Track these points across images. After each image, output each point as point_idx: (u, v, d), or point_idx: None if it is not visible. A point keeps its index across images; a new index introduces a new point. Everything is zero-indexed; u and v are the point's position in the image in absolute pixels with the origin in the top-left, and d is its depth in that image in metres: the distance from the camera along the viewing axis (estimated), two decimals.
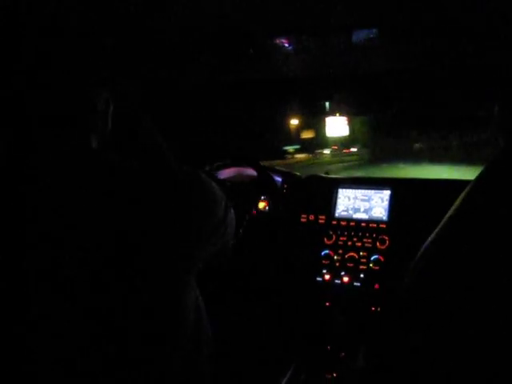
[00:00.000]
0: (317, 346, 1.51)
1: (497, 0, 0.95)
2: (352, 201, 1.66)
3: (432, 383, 0.78)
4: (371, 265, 1.49)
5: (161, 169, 0.75)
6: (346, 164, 9.96)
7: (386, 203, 1.60)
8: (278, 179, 1.78)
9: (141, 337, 0.68)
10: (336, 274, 1.54)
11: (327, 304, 1.55)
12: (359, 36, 1.19)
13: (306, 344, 1.54)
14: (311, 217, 1.68)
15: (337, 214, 1.66)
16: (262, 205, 1.78)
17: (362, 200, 1.65)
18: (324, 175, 1.89)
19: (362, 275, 1.50)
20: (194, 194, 0.75)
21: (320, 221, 1.66)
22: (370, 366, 1.34)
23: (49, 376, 0.64)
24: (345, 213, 1.65)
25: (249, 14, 1.15)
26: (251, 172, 1.73)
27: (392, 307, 1.27)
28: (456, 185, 1.56)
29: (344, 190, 1.69)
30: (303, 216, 1.69)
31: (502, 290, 0.66)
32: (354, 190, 1.68)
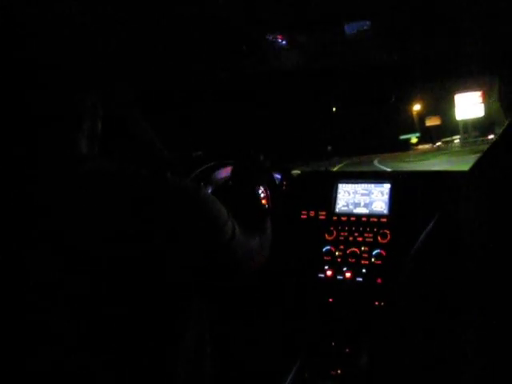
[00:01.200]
0: (321, 342, 1.50)
1: None
2: (352, 195, 1.65)
3: (435, 376, 0.77)
4: (373, 259, 1.48)
5: (157, 178, 0.71)
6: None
7: (386, 197, 1.59)
8: (277, 176, 1.77)
9: (139, 338, 0.68)
10: (338, 270, 1.53)
11: (330, 300, 1.54)
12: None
13: (310, 341, 1.53)
14: (311, 213, 1.67)
15: (337, 210, 1.65)
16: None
17: (362, 194, 1.63)
18: (323, 170, 1.88)
19: (364, 270, 1.48)
20: (186, 211, 0.71)
21: (320, 217, 1.65)
22: (374, 362, 1.34)
23: (48, 375, 0.64)
24: (345, 208, 1.64)
25: (241, 10, 1.14)
26: None
27: (394, 301, 1.27)
28: (455, 176, 1.55)
29: (344, 184, 1.68)
30: (303, 212, 1.68)
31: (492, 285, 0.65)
32: (353, 185, 1.67)
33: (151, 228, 0.67)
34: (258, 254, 0.93)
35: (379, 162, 20.29)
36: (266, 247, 0.99)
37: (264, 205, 1.54)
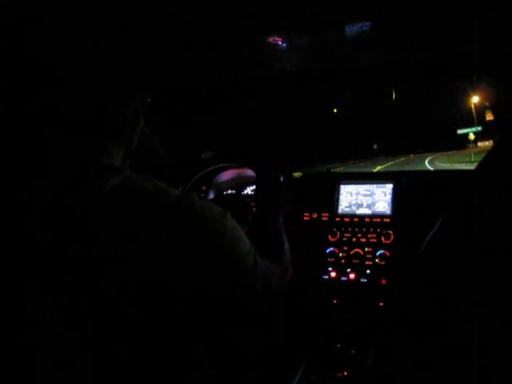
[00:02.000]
0: (326, 344, 1.49)
1: None
2: (354, 196, 1.65)
3: (441, 377, 0.77)
4: (377, 260, 1.48)
5: (184, 201, 0.70)
6: None
7: (388, 197, 1.59)
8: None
9: (139, 341, 0.68)
10: (342, 271, 1.52)
11: (335, 301, 1.54)
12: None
13: (315, 343, 1.52)
14: (314, 215, 1.67)
15: (340, 211, 1.65)
16: None
17: (365, 195, 1.63)
18: (325, 172, 1.88)
19: (368, 271, 1.48)
20: (209, 239, 0.70)
21: (323, 218, 1.65)
22: (379, 363, 1.33)
23: (47, 376, 0.63)
24: (348, 209, 1.64)
25: (241, 14, 1.14)
26: (251, 173, 1.72)
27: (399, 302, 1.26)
28: (457, 175, 1.55)
29: (346, 185, 1.68)
30: (306, 214, 1.68)
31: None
32: (355, 186, 1.67)
33: (169, 251, 0.66)
34: (278, 279, 0.94)
35: (430, 163, 18.10)
36: (287, 272, 1.01)
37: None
